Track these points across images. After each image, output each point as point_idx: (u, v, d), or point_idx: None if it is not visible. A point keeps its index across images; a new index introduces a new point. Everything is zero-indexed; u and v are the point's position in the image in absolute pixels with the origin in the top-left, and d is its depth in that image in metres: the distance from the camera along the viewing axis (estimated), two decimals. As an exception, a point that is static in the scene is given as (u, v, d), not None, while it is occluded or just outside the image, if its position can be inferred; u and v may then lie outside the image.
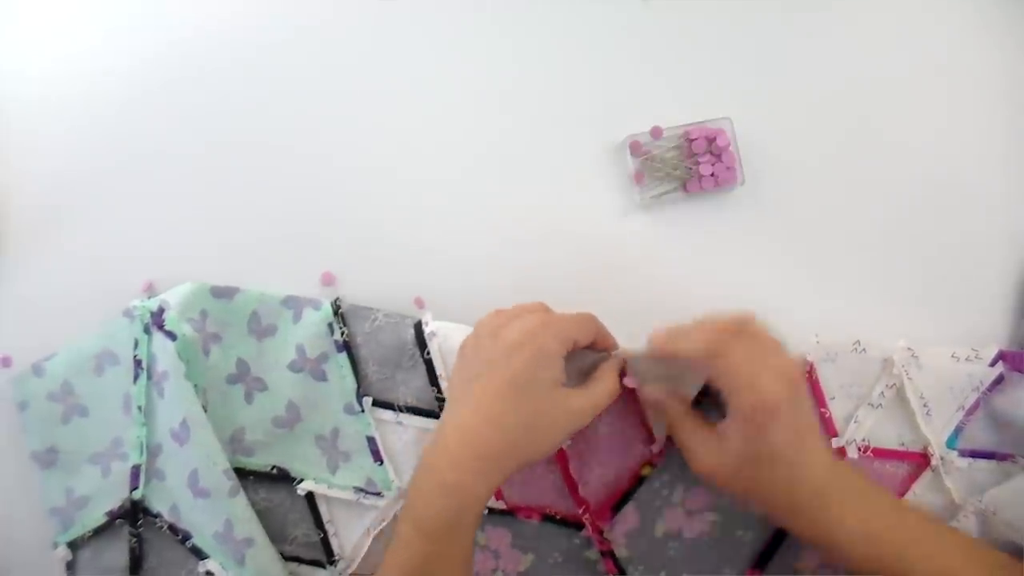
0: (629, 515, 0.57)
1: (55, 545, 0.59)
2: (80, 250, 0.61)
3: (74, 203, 0.61)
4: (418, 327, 0.58)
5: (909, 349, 0.56)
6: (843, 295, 0.59)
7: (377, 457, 0.58)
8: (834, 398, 0.57)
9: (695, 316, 0.50)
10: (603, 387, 0.51)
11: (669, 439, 0.56)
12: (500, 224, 0.60)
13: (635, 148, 0.59)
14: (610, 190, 0.60)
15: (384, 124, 0.60)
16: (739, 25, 0.60)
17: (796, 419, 0.48)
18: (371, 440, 0.58)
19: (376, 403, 0.58)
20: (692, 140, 0.58)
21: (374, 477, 0.58)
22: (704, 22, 0.60)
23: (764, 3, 0.60)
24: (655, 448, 0.57)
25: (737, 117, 0.58)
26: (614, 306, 0.54)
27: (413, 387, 0.58)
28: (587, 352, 0.53)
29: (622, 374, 0.53)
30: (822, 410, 0.56)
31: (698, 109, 0.59)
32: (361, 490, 0.58)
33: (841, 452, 0.57)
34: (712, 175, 0.58)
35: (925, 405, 0.56)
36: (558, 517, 0.57)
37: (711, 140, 0.58)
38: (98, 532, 0.58)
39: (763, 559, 0.57)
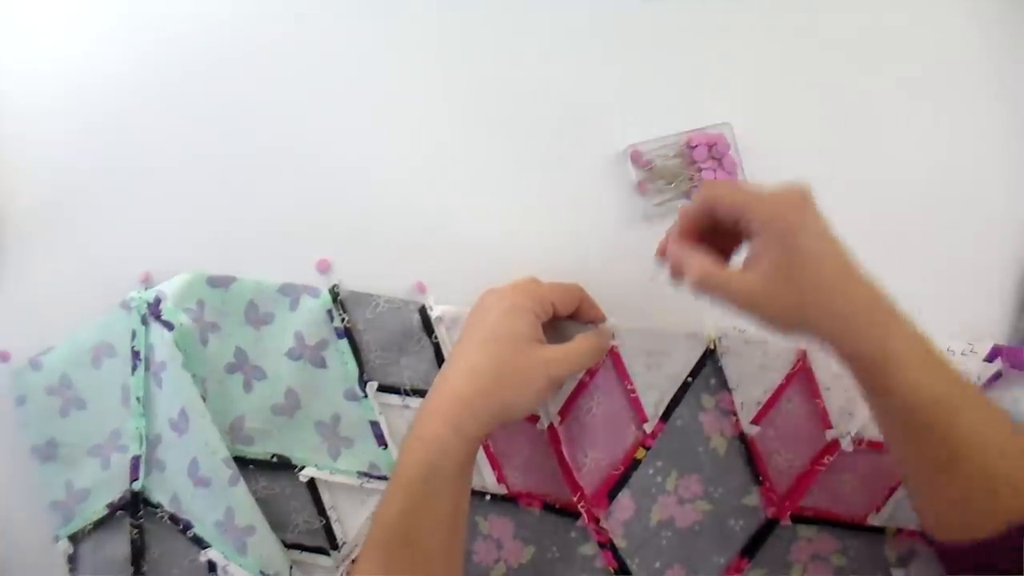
0: (625, 503, 0.57)
1: (56, 538, 0.58)
2: (76, 244, 0.61)
3: (69, 198, 0.61)
4: (423, 311, 0.58)
5: None
6: None
7: (381, 441, 0.58)
8: (829, 388, 0.57)
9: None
10: (579, 346, 0.52)
11: (661, 419, 0.57)
12: (501, 233, 0.60)
13: (636, 158, 0.59)
14: (613, 199, 0.60)
15: (382, 125, 0.61)
16: (736, 30, 0.61)
17: (826, 225, 0.46)
18: (374, 424, 0.58)
19: (381, 387, 0.58)
20: (693, 148, 0.59)
21: (378, 461, 0.58)
22: (702, 28, 0.61)
23: (761, 8, 0.61)
24: (648, 428, 0.57)
25: (736, 122, 0.59)
26: (620, 314, 0.55)
27: (419, 370, 0.58)
28: (573, 323, 0.55)
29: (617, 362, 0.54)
30: (816, 400, 0.57)
31: (697, 115, 0.59)
32: (364, 474, 0.58)
33: (834, 445, 0.57)
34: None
35: None
36: (557, 506, 0.58)
37: (711, 146, 0.59)
38: (99, 524, 0.58)
39: (752, 547, 0.58)
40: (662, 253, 0.51)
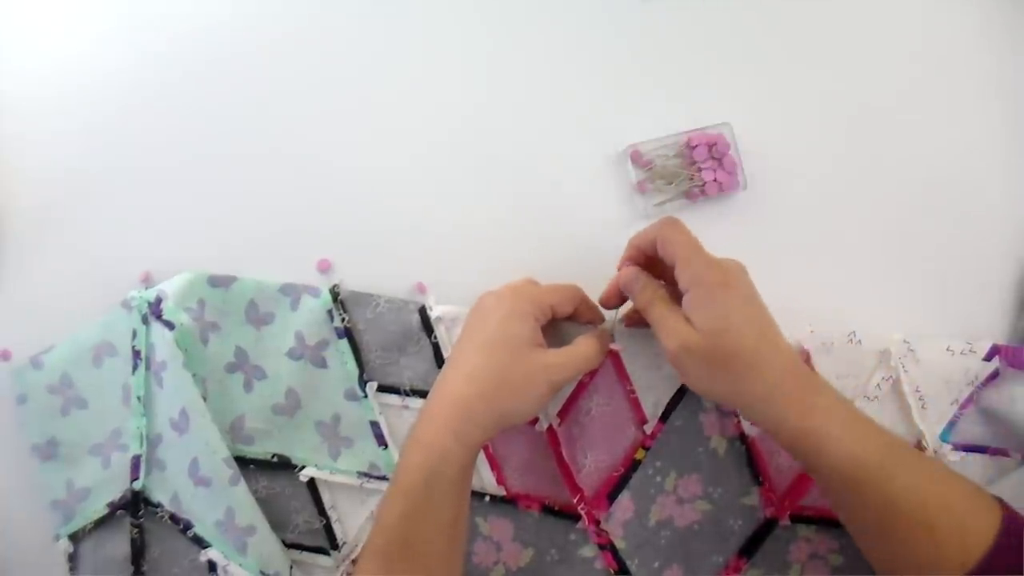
0: (625, 504, 0.57)
1: (57, 537, 0.59)
2: (77, 243, 0.61)
3: (70, 197, 0.61)
4: (423, 312, 0.58)
5: (906, 342, 0.57)
6: (846, 293, 0.59)
7: (381, 441, 0.58)
8: None
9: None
10: (579, 349, 0.52)
11: (661, 420, 0.57)
12: (501, 233, 0.60)
13: (636, 158, 0.59)
14: (613, 199, 0.60)
15: (381, 125, 0.61)
16: (736, 30, 0.61)
17: (752, 297, 0.48)
18: (374, 425, 0.58)
19: (381, 388, 0.58)
20: (693, 147, 0.59)
21: (378, 461, 0.58)
22: (701, 28, 0.61)
23: (761, 8, 0.61)
24: (648, 429, 0.57)
25: (736, 122, 0.59)
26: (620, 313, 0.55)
27: (419, 370, 0.58)
28: (572, 324, 0.55)
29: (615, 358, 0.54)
30: None
31: (697, 115, 0.59)
32: (365, 475, 0.58)
33: None
34: (715, 181, 0.59)
35: (921, 399, 0.56)
36: (556, 508, 0.58)
37: (711, 146, 0.59)
38: (99, 523, 0.58)
39: (751, 546, 0.58)
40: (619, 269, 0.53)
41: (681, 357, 0.48)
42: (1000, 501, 0.47)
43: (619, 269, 0.53)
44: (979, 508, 0.46)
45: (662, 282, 0.52)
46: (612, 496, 0.57)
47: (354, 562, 0.58)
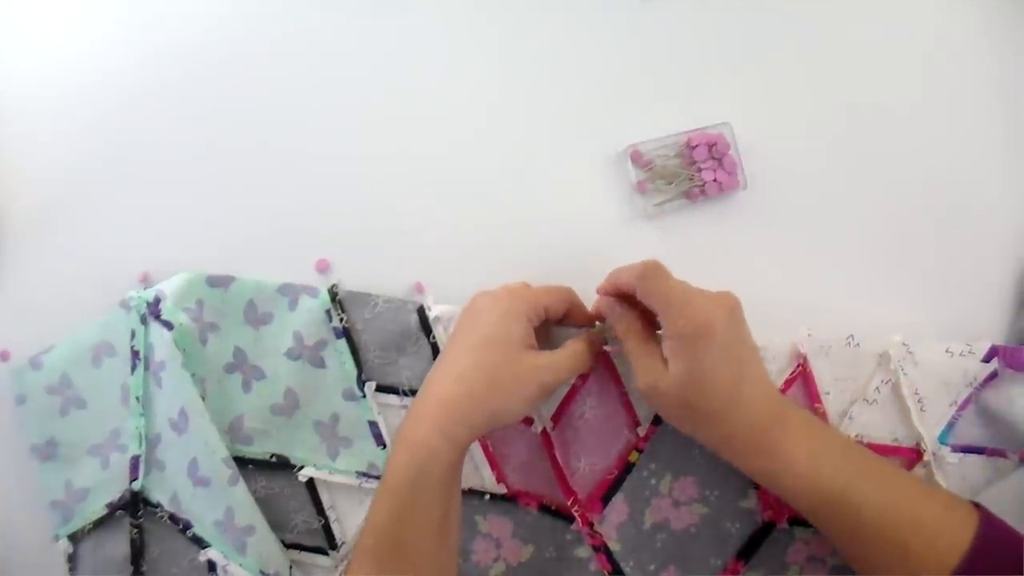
0: (619, 506, 0.57)
1: (56, 538, 0.59)
2: (76, 243, 0.61)
3: (69, 197, 0.61)
4: (421, 312, 0.58)
5: (904, 344, 0.56)
6: (846, 293, 0.59)
7: (380, 441, 0.58)
8: (828, 393, 0.57)
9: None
10: (571, 351, 0.52)
11: (655, 422, 0.57)
12: (500, 233, 0.60)
13: (636, 158, 0.59)
14: (612, 199, 0.60)
15: (380, 126, 0.60)
16: (735, 29, 0.61)
17: (733, 344, 0.48)
18: (373, 425, 0.58)
19: (379, 388, 0.58)
20: (693, 148, 0.58)
21: (376, 461, 0.58)
22: (701, 28, 0.61)
23: (761, 8, 0.61)
24: (640, 432, 0.57)
25: (736, 122, 0.59)
26: None
27: (417, 371, 0.58)
28: (565, 328, 0.55)
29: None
30: (816, 405, 0.56)
31: (696, 115, 0.59)
32: (363, 474, 0.58)
33: None
34: (715, 181, 0.59)
35: (920, 401, 0.56)
36: (553, 508, 0.58)
37: (711, 146, 0.58)
38: (98, 524, 0.58)
39: (748, 549, 0.57)
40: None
41: (650, 396, 0.50)
42: (978, 507, 0.48)
43: (597, 293, 0.54)
44: (952, 521, 0.47)
45: (638, 312, 0.52)
46: (606, 498, 0.57)
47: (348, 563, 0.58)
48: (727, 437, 0.49)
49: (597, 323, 0.55)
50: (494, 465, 0.57)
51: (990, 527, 0.46)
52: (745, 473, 0.50)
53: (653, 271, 0.49)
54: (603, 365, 0.57)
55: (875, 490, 0.48)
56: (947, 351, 0.57)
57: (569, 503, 0.57)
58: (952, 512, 0.47)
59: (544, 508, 0.58)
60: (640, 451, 0.57)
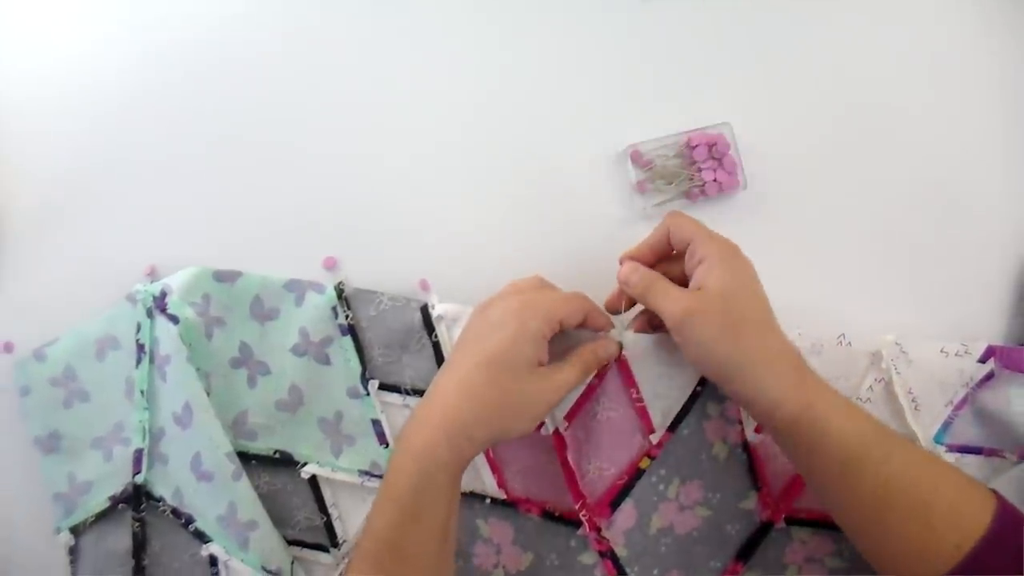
0: (627, 512, 0.57)
1: (58, 530, 0.59)
2: (82, 237, 0.61)
3: (76, 193, 0.61)
4: (424, 310, 0.58)
5: (897, 343, 0.56)
6: (846, 293, 0.60)
7: (382, 440, 0.58)
8: None
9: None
10: (579, 366, 0.52)
11: (668, 430, 0.57)
12: (502, 232, 0.60)
13: (636, 158, 0.59)
14: (612, 199, 0.60)
15: (386, 124, 0.61)
16: (735, 30, 0.61)
17: (758, 276, 0.50)
18: (376, 423, 0.58)
19: (382, 386, 0.58)
20: (693, 147, 0.59)
21: (379, 460, 0.58)
22: (701, 28, 0.61)
23: (761, 9, 0.61)
24: (655, 439, 0.57)
25: (736, 122, 0.59)
26: (621, 316, 0.55)
27: (420, 369, 0.58)
28: (580, 332, 0.54)
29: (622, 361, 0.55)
30: None
31: (696, 115, 0.60)
32: (366, 473, 0.58)
33: None
34: (715, 180, 0.59)
35: (914, 400, 0.56)
36: (557, 514, 0.57)
37: (711, 146, 0.59)
38: (101, 517, 0.58)
39: (747, 550, 0.57)
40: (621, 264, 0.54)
41: (686, 322, 0.48)
42: (993, 491, 0.48)
43: (621, 262, 0.53)
44: (973, 492, 0.47)
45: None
46: (615, 504, 0.57)
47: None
48: (764, 361, 0.48)
49: (614, 327, 0.55)
50: (495, 470, 0.57)
51: (1006, 507, 0.46)
52: (775, 417, 0.48)
53: (679, 212, 0.52)
54: (618, 369, 0.56)
55: (900, 449, 0.48)
56: (942, 351, 0.57)
57: (577, 507, 0.56)
58: (971, 485, 0.47)
59: (547, 514, 0.57)
60: (652, 458, 0.57)
